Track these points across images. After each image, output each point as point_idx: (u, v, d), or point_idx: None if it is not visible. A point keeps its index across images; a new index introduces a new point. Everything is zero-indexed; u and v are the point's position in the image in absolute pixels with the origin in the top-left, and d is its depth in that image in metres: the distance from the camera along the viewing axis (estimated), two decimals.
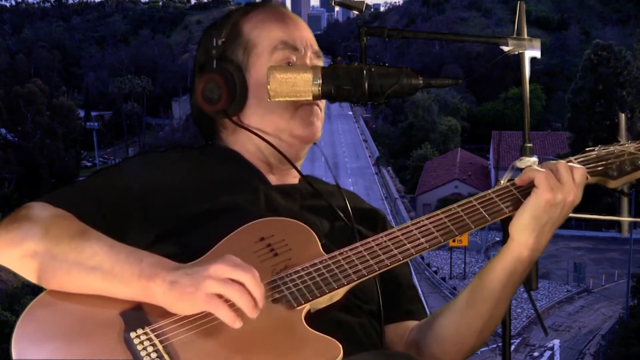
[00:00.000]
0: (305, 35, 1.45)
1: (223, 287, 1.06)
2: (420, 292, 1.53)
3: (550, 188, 1.22)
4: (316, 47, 1.46)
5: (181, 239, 1.25)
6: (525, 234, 1.25)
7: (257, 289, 1.07)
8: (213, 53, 1.41)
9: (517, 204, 1.26)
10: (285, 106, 1.39)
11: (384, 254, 1.21)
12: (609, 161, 1.34)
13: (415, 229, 1.25)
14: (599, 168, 1.33)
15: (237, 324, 1.06)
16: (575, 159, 1.34)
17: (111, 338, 1.07)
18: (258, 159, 1.43)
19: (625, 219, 1.40)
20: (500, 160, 5.88)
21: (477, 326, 1.32)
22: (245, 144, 1.44)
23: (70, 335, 1.08)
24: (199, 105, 1.40)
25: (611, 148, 1.36)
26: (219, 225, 1.23)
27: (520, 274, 1.28)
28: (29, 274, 1.14)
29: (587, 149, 1.37)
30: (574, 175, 1.25)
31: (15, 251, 1.15)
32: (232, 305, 1.06)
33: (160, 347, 1.06)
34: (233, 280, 1.06)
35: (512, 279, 1.28)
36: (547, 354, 23.64)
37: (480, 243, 32.99)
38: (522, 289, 1.35)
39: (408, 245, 1.23)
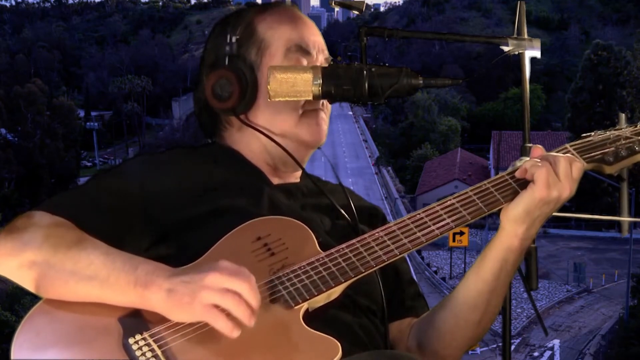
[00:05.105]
0: (318, 40, 1.44)
1: (220, 298, 1.05)
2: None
3: (548, 185, 1.22)
4: (327, 52, 1.45)
5: (181, 240, 1.24)
6: (516, 225, 1.25)
7: (253, 298, 1.06)
8: (226, 50, 1.39)
9: (513, 195, 1.26)
10: (293, 109, 1.38)
11: (380, 249, 1.20)
12: (605, 147, 1.33)
13: (412, 222, 1.24)
14: (596, 154, 1.32)
15: (234, 333, 1.05)
16: (571, 146, 1.33)
17: (110, 344, 1.07)
18: (262, 159, 1.42)
19: (625, 218, 1.39)
20: (500, 160, 5.87)
21: (475, 318, 1.32)
22: (249, 143, 1.42)
23: (70, 341, 1.08)
24: (207, 101, 1.39)
25: (607, 133, 1.35)
26: (219, 226, 1.23)
27: (512, 263, 1.28)
28: (28, 283, 1.14)
29: (583, 135, 1.36)
30: (573, 171, 1.24)
31: (13, 261, 1.15)
32: (228, 314, 1.06)
33: (159, 352, 1.06)
34: (229, 290, 1.06)
35: (504, 268, 1.28)
36: (547, 354, 23.62)
37: (480, 243, 32.94)
38: (522, 289, 1.35)
39: (405, 240, 1.22)
